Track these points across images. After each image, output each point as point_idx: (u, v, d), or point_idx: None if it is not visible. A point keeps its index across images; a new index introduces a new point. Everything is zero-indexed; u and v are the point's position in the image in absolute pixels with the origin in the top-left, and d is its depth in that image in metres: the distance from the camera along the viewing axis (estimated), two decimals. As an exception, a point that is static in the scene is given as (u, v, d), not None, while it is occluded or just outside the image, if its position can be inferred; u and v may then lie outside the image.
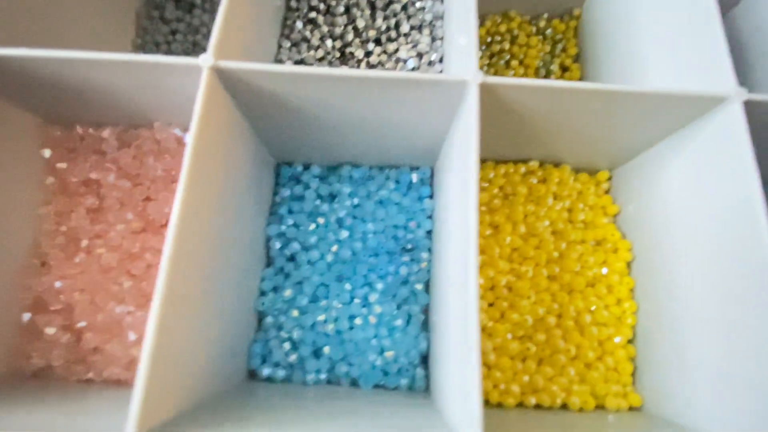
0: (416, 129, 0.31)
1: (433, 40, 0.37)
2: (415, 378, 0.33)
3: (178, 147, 0.32)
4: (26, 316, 0.30)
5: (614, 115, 0.27)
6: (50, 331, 0.30)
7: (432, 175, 0.37)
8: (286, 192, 0.37)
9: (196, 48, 0.41)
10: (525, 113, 0.27)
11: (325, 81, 0.25)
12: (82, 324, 0.30)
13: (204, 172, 0.24)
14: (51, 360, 0.29)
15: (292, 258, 0.36)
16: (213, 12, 0.42)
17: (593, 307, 0.31)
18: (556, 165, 0.35)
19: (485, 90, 0.24)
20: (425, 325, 0.35)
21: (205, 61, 0.23)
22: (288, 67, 0.24)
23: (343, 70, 0.24)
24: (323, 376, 0.33)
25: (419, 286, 0.35)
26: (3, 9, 0.28)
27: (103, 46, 0.35)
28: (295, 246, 0.36)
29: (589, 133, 0.30)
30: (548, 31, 0.43)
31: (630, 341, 0.31)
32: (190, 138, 0.22)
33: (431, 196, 0.37)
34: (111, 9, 0.38)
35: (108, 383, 0.29)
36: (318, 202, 0.37)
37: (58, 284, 0.30)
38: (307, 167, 0.38)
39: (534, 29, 0.43)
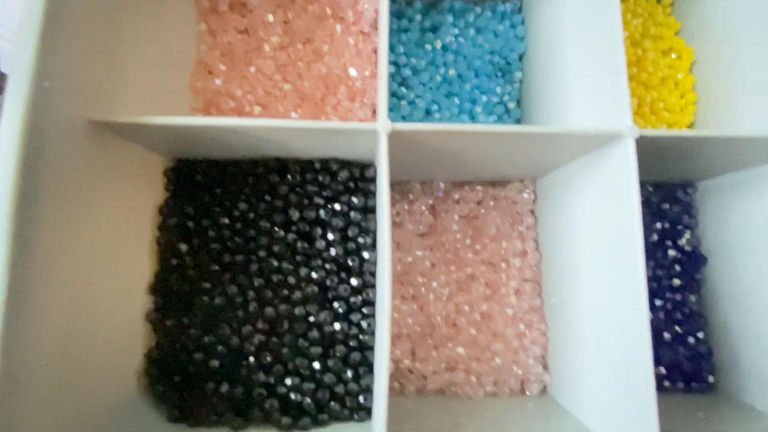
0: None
1: None
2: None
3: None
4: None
5: None
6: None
7: (521, 7, 0.43)
8: (393, 25, 0.42)
9: None
10: None
11: None
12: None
13: None
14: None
15: (403, 82, 0.42)
16: None
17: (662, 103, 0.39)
18: (631, -12, 0.41)
19: None
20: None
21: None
22: None
23: None
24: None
25: (512, 105, 0.42)
26: None
27: None
28: (407, 72, 0.41)
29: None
30: None
31: (690, 125, 0.39)
32: None
33: (523, 23, 0.42)
34: None
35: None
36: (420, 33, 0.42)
37: (227, 87, 0.35)
38: (409, 3, 0.43)
39: None
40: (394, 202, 0.39)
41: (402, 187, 0.40)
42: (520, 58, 0.42)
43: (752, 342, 0.34)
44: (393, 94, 0.42)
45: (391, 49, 0.42)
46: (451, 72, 0.41)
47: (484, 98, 0.41)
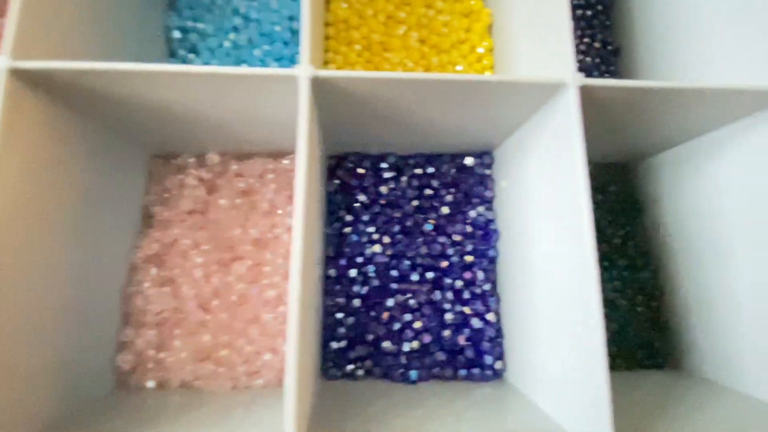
0: None
1: None
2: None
3: None
4: None
5: None
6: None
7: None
8: (182, -10, 0.39)
9: None
10: None
11: None
12: None
13: None
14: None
15: (192, 49, 0.38)
16: None
17: (459, 67, 0.36)
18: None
19: None
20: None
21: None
22: None
23: None
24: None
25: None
26: None
27: None
28: (194, 37, 0.38)
29: None
30: None
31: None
32: None
33: (320, -13, 0.39)
34: None
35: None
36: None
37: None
38: (200, -35, 0.40)
39: None
40: (163, 176, 0.35)
41: (176, 161, 0.36)
42: (321, 24, 0.40)
43: (536, 325, 0.30)
44: (183, 60, 0.38)
45: (179, 13, 0.38)
46: (242, 39, 0.38)
47: (276, 65, 0.38)
